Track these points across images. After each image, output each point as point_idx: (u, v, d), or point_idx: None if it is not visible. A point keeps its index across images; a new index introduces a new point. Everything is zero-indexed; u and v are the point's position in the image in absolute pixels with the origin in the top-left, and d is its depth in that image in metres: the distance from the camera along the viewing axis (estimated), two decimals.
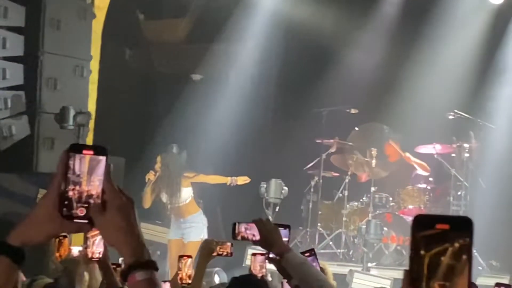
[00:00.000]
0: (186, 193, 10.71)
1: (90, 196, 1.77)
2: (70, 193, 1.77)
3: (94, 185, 1.78)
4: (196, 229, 10.64)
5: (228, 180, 10.92)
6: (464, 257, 1.39)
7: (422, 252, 1.40)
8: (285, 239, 4.17)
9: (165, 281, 4.81)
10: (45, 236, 1.81)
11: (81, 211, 1.77)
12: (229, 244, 5.18)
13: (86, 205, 1.77)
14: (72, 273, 4.32)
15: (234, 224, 4.19)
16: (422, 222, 1.41)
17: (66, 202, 1.77)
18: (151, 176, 10.72)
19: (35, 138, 10.03)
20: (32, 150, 9.99)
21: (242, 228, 4.18)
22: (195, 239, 10.53)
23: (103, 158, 1.79)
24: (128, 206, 1.79)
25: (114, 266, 4.68)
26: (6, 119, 9.68)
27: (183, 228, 10.72)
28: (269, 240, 4.07)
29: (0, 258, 1.78)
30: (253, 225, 4.15)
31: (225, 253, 5.15)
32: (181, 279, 4.88)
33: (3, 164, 10.13)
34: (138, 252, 1.76)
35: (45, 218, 1.77)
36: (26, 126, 9.92)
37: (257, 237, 4.11)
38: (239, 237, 4.19)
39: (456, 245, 1.39)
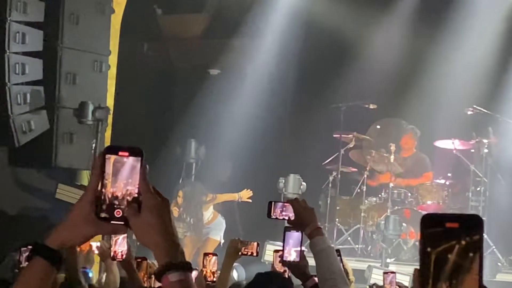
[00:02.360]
0: (208, 213, 11.03)
1: (126, 197, 1.78)
2: (106, 195, 1.78)
3: (130, 186, 1.78)
4: (216, 229, 10.92)
5: (236, 196, 11.12)
6: (471, 255, 1.38)
7: (429, 249, 1.39)
8: (297, 248, 4.20)
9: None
10: (82, 238, 1.82)
11: (117, 213, 1.78)
12: (254, 244, 5.20)
13: (122, 207, 1.78)
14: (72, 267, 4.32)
15: (270, 203, 4.21)
16: (431, 221, 1.41)
17: (102, 204, 1.78)
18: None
19: (54, 133, 10.04)
20: (51, 145, 10.01)
21: (278, 208, 4.21)
22: (214, 237, 10.76)
23: (138, 159, 1.80)
24: (163, 207, 1.79)
25: (139, 260, 4.69)
26: (25, 114, 9.70)
27: (204, 233, 11.00)
28: (303, 220, 4.10)
29: (38, 260, 1.81)
30: (289, 206, 4.17)
31: (250, 253, 5.16)
32: (205, 276, 4.89)
33: (22, 159, 10.17)
34: (172, 253, 1.76)
35: (82, 221, 1.78)
36: (45, 121, 9.94)
37: (292, 218, 4.14)
38: (274, 216, 4.20)
39: (463, 242, 1.39)
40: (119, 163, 1.78)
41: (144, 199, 1.77)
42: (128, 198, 1.78)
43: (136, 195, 1.78)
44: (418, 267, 1.42)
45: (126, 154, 1.79)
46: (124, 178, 1.78)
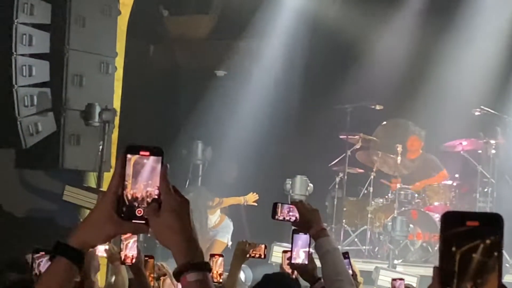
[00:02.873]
0: (215, 217, 11.04)
1: (147, 197, 1.79)
2: (128, 194, 1.79)
3: (150, 185, 1.79)
4: (224, 231, 10.92)
5: (241, 200, 11.08)
6: (496, 253, 1.40)
7: (454, 248, 1.39)
8: (305, 250, 4.21)
9: None
10: (104, 238, 1.84)
11: (138, 212, 1.79)
12: (262, 246, 5.21)
13: (143, 206, 1.78)
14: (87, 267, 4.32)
15: (275, 204, 4.22)
16: (451, 219, 1.41)
17: (123, 203, 1.79)
18: None
19: (61, 135, 10.06)
20: (58, 146, 10.02)
21: (283, 209, 4.21)
22: (222, 238, 10.77)
23: (159, 159, 1.80)
24: (183, 208, 1.80)
25: (146, 258, 4.69)
26: (32, 116, 9.72)
27: (211, 235, 11.03)
28: (308, 221, 4.12)
29: (60, 259, 1.82)
30: (293, 208, 4.19)
31: (258, 255, 5.17)
32: (212, 277, 4.89)
33: (30, 161, 10.19)
34: (191, 253, 1.77)
35: (104, 220, 1.80)
36: (52, 123, 9.96)
37: (297, 219, 4.15)
38: (280, 217, 4.21)
39: (487, 241, 1.40)
40: (139, 164, 1.79)
41: (164, 199, 1.78)
42: (148, 199, 1.78)
43: (156, 196, 1.78)
44: (437, 266, 1.42)
45: (147, 153, 1.80)
46: (144, 179, 1.79)
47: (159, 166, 1.79)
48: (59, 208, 10.26)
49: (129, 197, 1.78)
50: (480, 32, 12.53)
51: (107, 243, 5.15)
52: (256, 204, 11.19)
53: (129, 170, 1.78)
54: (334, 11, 13.03)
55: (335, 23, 12.91)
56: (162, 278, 5.44)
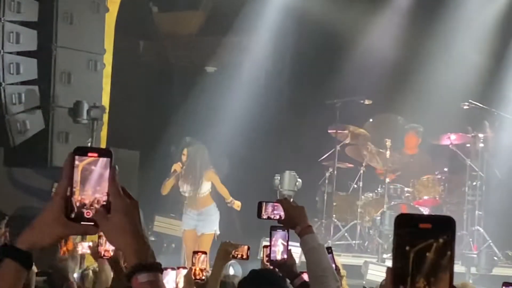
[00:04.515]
0: (206, 186, 10.82)
1: (95, 198, 1.79)
2: (76, 196, 1.78)
3: (99, 188, 1.79)
4: (209, 222, 10.73)
5: (229, 198, 10.94)
6: (448, 253, 1.41)
7: (407, 247, 1.41)
8: (284, 246, 4.23)
9: (178, 267, 4.84)
10: (52, 239, 1.83)
11: (87, 214, 1.79)
12: (245, 247, 5.21)
13: (92, 208, 1.78)
14: (63, 269, 4.33)
15: (260, 204, 4.23)
16: (405, 222, 1.43)
17: (72, 205, 1.78)
18: (177, 168, 10.75)
19: (49, 132, 10.05)
20: (46, 144, 10.02)
21: (268, 207, 4.23)
22: (208, 231, 10.62)
23: (108, 160, 1.80)
24: (132, 209, 1.80)
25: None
26: (20, 114, 9.71)
27: (197, 220, 10.78)
28: (293, 219, 4.12)
29: (8, 261, 1.81)
30: (279, 205, 4.20)
31: (240, 256, 5.17)
32: (194, 274, 4.91)
33: (18, 159, 10.18)
34: (142, 254, 1.77)
35: (52, 221, 1.79)
36: (40, 120, 9.95)
37: (282, 217, 4.16)
38: (264, 216, 4.23)
39: (441, 240, 1.41)
40: (87, 171, 1.78)
41: (113, 201, 1.78)
42: (98, 199, 1.78)
43: (104, 202, 1.78)
44: (390, 266, 1.43)
45: (96, 155, 1.79)
46: (93, 185, 1.79)
47: (107, 171, 1.79)
48: None
49: (77, 204, 1.78)
50: (468, 27, 12.56)
51: (91, 240, 5.18)
52: (238, 209, 11.05)
53: (77, 176, 1.78)
54: (322, 5, 13.02)
55: (323, 18, 12.91)
56: None
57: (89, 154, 1.79)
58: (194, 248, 10.19)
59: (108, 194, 1.79)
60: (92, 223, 1.79)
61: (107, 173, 1.79)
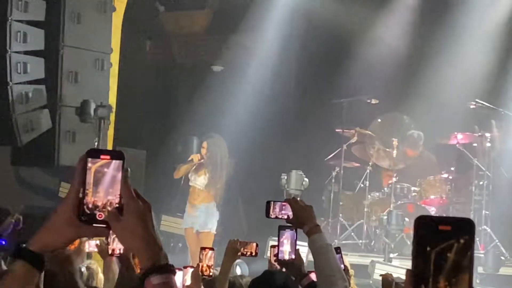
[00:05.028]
0: (202, 180, 10.86)
1: (108, 200, 1.79)
2: (88, 198, 1.79)
3: (112, 190, 1.79)
4: (205, 220, 10.71)
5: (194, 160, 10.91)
6: (469, 253, 1.42)
7: (428, 248, 1.42)
8: (292, 246, 4.23)
9: (185, 267, 4.85)
10: (64, 241, 1.85)
11: (99, 216, 1.79)
12: (254, 244, 5.21)
13: (104, 210, 1.79)
14: (67, 268, 4.33)
15: (268, 203, 4.24)
16: (424, 223, 1.44)
17: (84, 207, 1.79)
18: (196, 158, 10.79)
19: (56, 131, 10.06)
20: (53, 143, 10.02)
21: (276, 207, 4.24)
22: (203, 229, 10.61)
23: (120, 163, 1.80)
24: (145, 211, 1.81)
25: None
26: (27, 113, 9.72)
27: (194, 216, 10.80)
28: (301, 218, 4.13)
29: (20, 263, 1.83)
30: (287, 205, 4.20)
31: (249, 253, 5.18)
32: (202, 270, 4.91)
33: (25, 158, 10.20)
34: (155, 256, 1.78)
35: (64, 224, 1.81)
36: (47, 119, 9.96)
37: (290, 217, 4.17)
38: (272, 216, 4.24)
39: (461, 241, 1.42)
40: (99, 173, 1.79)
41: (126, 203, 1.79)
42: (110, 201, 1.79)
43: (117, 204, 1.79)
44: (409, 268, 1.44)
45: (108, 157, 1.80)
46: (105, 188, 1.79)
47: (119, 173, 1.79)
48: (55, 205, 10.20)
49: (90, 206, 1.79)
50: (475, 26, 12.53)
51: (98, 238, 5.19)
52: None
53: (90, 179, 1.78)
54: (329, 4, 13.02)
55: (330, 17, 12.91)
56: None
57: (102, 157, 1.80)
58: (196, 246, 10.19)
59: (120, 196, 1.79)
60: (104, 225, 1.80)
61: (119, 175, 1.79)
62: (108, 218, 1.79)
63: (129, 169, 1.81)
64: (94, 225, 1.80)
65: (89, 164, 1.79)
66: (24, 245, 1.84)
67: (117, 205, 1.79)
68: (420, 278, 1.42)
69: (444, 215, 10.55)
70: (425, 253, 1.42)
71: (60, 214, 1.81)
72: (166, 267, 1.78)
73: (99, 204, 1.79)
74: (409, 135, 12.31)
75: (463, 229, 1.43)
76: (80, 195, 1.79)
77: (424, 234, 1.43)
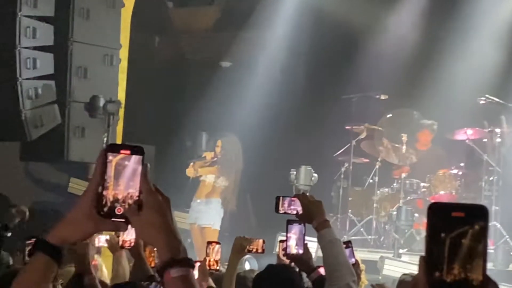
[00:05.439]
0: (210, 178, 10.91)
1: (127, 195, 1.80)
2: (108, 192, 1.80)
3: (131, 187, 1.80)
4: (208, 214, 10.75)
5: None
6: (483, 240, 1.41)
7: (443, 234, 1.41)
8: (300, 240, 4.22)
9: (194, 262, 4.84)
10: (83, 235, 1.87)
11: (118, 210, 1.80)
12: (260, 241, 5.20)
13: (123, 204, 1.80)
14: (82, 259, 4.34)
15: (278, 198, 4.25)
16: (438, 210, 1.44)
17: (103, 201, 1.80)
18: (209, 156, 10.83)
19: (65, 127, 10.10)
20: (62, 139, 10.06)
21: (285, 202, 4.23)
22: (204, 223, 10.64)
23: (140, 158, 1.81)
24: (164, 205, 1.83)
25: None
26: (36, 109, 9.75)
27: (197, 211, 10.83)
28: (310, 213, 4.13)
29: (39, 255, 1.85)
30: (296, 200, 4.20)
31: (255, 250, 5.17)
32: (209, 265, 4.92)
33: (35, 153, 10.23)
34: (174, 250, 1.80)
35: (83, 217, 1.82)
36: (56, 115, 9.99)
37: (299, 212, 4.17)
38: (282, 211, 4.24)
39: (476, 227, 1.42)
40: (120, 166, 1.80)
41: (145, 198, 1.80)
42: (130, 201, 1.80)
43: (137, 197, 1.80)
44: (422, 255, 1.44)
45: (128, 152, 1.81)
46: (125, 181, 1.80)
47: (140, 167, 1.80)
48: (64, 200, 10.29)
49: (111, 198, 1.79)
50: (485, 21, 12.48)
51: (108, 233, 5.19)
52: None
53: (111, 172, 1.79)
54: (337, 0, 13.00)
55: (339, 12, 12.88)
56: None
57: (122, 152, 1.81)
58: (200, 242, 10.20)
59: (140, 190, 1.80)
60: (123, 220, 1.81)
61: (139, 168, 1.80)
62: (127, 212, 1.80)
63: (148, 164, 1.83)
64: (113, 219, 1.81)
65: (110, 157, 1.80)
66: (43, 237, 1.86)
67: (137, 198, 1.79)
68: (434, 264, 1.42)
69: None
70: (439, 239, 1.41)
71: (79, 208, 1.82)
72: (185, 261, 1.80)
73: (120, 197, 1.80)
74: (422, 123, 12.30)
75: (477, 215, 1.42)
76: (100, 189, 1.80)
77: (438, 221, 1.42)
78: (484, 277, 1.41)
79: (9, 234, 5.06)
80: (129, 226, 4.10)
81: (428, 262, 1.42)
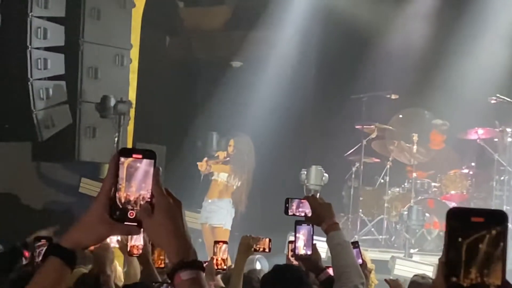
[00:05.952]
0: (222, 176, 10.95)
1: (139, 199, 1.82)
2: (120, 196, 1.81)
3: (143, 188, 1.82)
4: (219, 214, 10.79)
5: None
6: (502, 244, 1.42)
7: (460, 239, 1.43)
8: (309, 241, 4.22)
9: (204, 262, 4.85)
10: (96, 239, 1.88)
11: (131, 214, 1.82)
12: (266, 240, 5.19)
13: (136, 208, 1.81)
14: (101, 260, 4.36)
15: (287, 200, 4.24)
16: (457, 215, 1.45)
17: (116, 205, 1.81)
18: (222, 155, 10.88)
19: (76, 127, 10.13)
20: (73, 139, 10.09)
21: (294, 204, 4.23)
22: (215, 223, 10.67)
23: (151, 162, 1.83)
24: (175, 209, 1.84)
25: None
26: (48, 109, 9.79)
27: (208, 211, 10.87)
28: (319, 216, 4.13)
29: (53, 259, 1.86)
30: (305, 202, 4.20)
31: (262, 249, 5.16)
32: (216, 264, 4.92)
33: (46, 154, 10.27)
34: (184, 253, 1.81)
35: (96, 221, 1.83)
36: (67, 115, 10.03)
37: (309, 214, 4.16)
38: (291, 213, 4.23)
39: (494, 232, 1.43)
40: (132, 168, 1.81)
41: (157, 201, 1.81)
42: (141, 202, 1.81)
43: (149, 199, 1.81)
44: (441, 259, 1.46)
45: (140, 156, 1.82)
46: (138, 182, 1.81)
47: (151, 169, 1.81)
48: (76, 200, 10.33)
49: (122, 200, 1.81)
50: (495, 20, 12.44)
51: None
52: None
53: (123, 173, 1.81)
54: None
55: (349, 12, 12.86)
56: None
57: (134, 156, 1.82)
58: (211, 242, 10.21)
59: (152, 194, 1.82)
60: (135, 224, 1.82)
61: (151, 170, 1.82)
62: (140, 214, 1.81)
63: (160, 168, 1.84)
64: (126, 223, 1.82)
65: (122, 159, 1.82)
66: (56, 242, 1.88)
67: (149, 199, 1.81)
68: (452, 268, 1.42)
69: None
70: (457, 244, 1.42)
71: (92, 212, 1.83)
72: (195, 263, 1.81)
73: (131, 198, 1.81)
74: (433, 123, 12.28)
75: (496, 220, 1.43)
76: (112, 193, 1.81)
77: (456, 225, 1.43)
78: (503, 282, 1.42)
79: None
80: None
81: (446, 266, 1.43)
